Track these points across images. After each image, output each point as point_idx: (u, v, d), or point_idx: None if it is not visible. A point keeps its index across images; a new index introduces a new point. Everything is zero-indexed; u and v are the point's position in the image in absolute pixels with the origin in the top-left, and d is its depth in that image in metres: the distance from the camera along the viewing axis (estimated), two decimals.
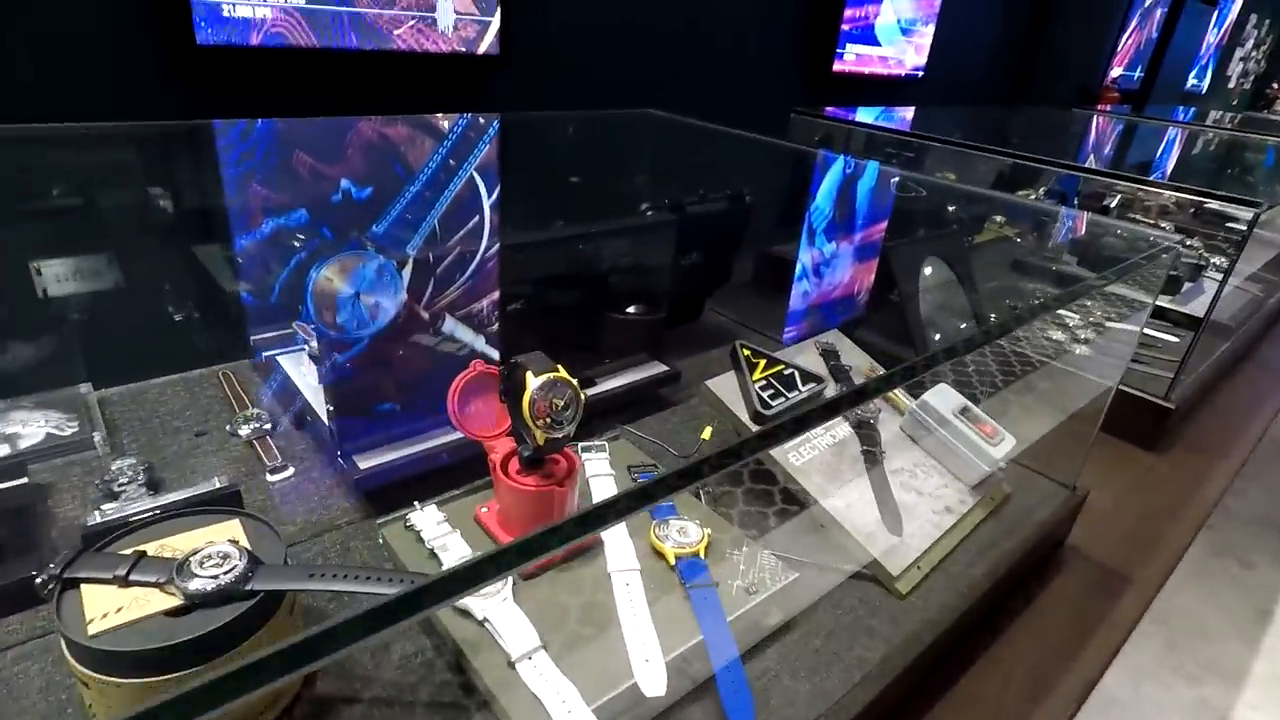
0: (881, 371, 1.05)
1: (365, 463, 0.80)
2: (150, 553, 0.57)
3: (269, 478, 0.84)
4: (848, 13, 2.89)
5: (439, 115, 1.82)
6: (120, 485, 0.77)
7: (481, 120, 1.75)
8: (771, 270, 1.65)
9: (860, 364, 1.04)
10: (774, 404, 0.89)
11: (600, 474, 0.81)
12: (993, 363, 1.25)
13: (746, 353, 0.94)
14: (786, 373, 0.94)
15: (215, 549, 0.56)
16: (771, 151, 1.28)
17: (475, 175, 1.39)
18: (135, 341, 1.15)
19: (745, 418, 0.88)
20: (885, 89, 3.31)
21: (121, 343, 1.13)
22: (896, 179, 1.60)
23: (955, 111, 3.49)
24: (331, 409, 0.80)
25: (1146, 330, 1.44)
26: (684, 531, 0.72)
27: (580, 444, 0.85)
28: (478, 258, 0.91)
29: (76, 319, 1.12)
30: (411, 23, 1.80)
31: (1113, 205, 1.88)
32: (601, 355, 1.06)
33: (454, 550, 0.67)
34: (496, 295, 0.94)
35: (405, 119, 1.76)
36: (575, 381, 0.64)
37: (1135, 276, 0.95)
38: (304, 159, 1.62)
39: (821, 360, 1.03)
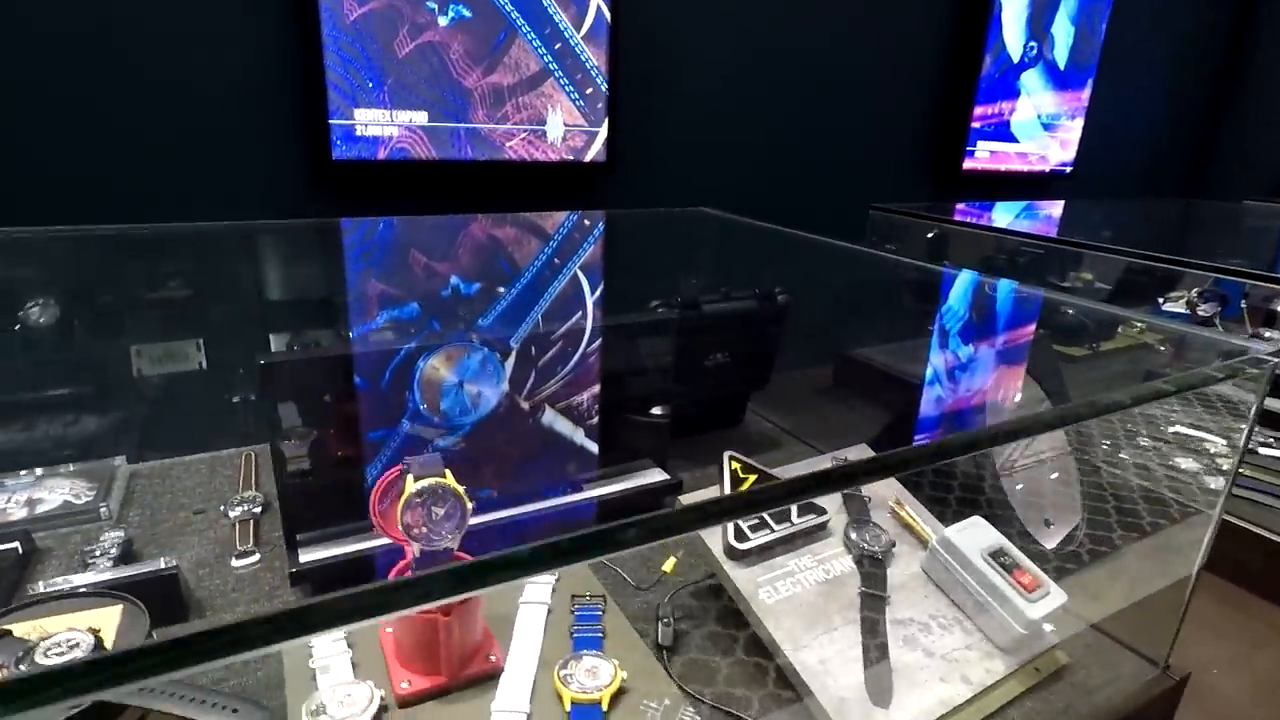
0: (911, 502, 0.89)
1: (306, 556, 0.78)
2: (20, 632, 0.57)
3: (234, 562, 0.85)
4: (979, 110, 2.77)
5: (514, 215, 1.91)
6: (94, 557, 0.81)
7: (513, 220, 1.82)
8: (838, 375, 1.52)
9: (885, 493, 0.89)
10: (754, 536, 0.77)
11: (533, 601, 0.73)
12: (1076, 494, 1.03)
13: (735, 465, 0.84)
14: None
15: (67, 636, 0.55)
16: (825, 250, 1.20)
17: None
18: (196, 418, 1.24)
19: (718, 551, 0.77)
20: (1027, 185, 3.09)
21: (181, 419, 1.23)
22: (986, 282, 1.43)
23: (1108, 206, 3.17)
24: (285, 497, 0.80)
25: None
26: (594, 672, 0.63)
27: None
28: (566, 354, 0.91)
29: (152, 397, 1.24)
30: (523, 135, 1.94)
31: None
32: (600, 459, 1.00)
33: (335, 673, 0.62)
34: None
35: (497, 217, 1.87)
36: (461, 490, 0.59)
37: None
38: (418, 257, 1.76)
39: None
